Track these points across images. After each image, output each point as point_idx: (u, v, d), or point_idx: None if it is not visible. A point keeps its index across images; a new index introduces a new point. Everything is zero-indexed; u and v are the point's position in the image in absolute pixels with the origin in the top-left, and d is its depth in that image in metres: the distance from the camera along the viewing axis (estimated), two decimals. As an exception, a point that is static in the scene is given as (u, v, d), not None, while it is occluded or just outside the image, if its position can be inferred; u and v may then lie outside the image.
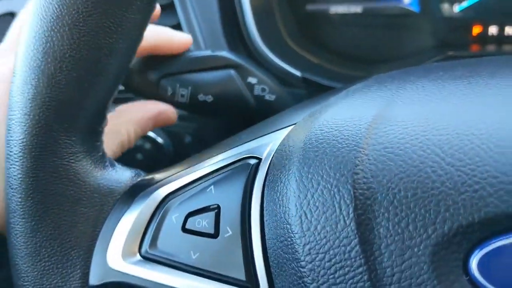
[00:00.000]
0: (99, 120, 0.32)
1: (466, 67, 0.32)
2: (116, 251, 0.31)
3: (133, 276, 0.30)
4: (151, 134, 0.63)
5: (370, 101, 0.29)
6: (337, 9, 0.68)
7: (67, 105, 0.30)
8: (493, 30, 0.63)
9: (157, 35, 0.42)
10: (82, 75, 0.29)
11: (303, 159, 0.27)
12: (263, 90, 0.43)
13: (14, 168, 0.30)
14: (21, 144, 0.30)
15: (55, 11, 0.28)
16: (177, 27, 0.60)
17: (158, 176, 0.33)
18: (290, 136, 0.30)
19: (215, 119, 0.44)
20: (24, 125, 0.30)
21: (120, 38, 0.30)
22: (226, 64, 0.43)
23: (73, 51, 0.29)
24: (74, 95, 0.30)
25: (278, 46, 0.61)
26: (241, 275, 0.28)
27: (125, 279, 0.30)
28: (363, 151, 0.25)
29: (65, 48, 0.29)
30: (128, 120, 0.42)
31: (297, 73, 0.57)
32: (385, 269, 0.23)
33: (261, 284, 0.28)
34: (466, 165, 0.23)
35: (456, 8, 0.65)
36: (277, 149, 0.30)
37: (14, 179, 0.30)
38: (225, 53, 0.43)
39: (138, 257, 0.31)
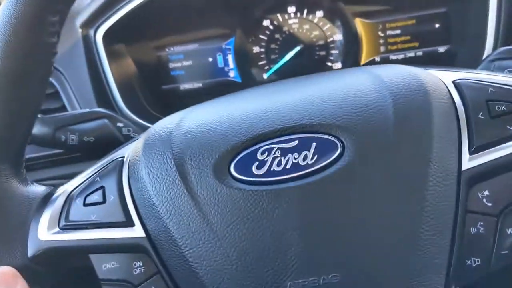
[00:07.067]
0: (22, 151, 0.47)
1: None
2: (43, 229, 0.44)
3: (56, 240, 0.43)
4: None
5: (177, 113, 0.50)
6: (184, 86, 0.92)
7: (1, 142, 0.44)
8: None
9: None
10: (7, 116, 0.44)
11: (145, 147, 0.45)
12: (129, 130, 0.63)
13: None
14: None
15: None
16: (63, 108, 0.80)
17: (63, 185, 0.49)
18: (137, 141, 0.48)
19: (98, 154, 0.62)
20: None
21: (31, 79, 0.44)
22: (101, 116, 0.61)
23: None
24: (4, 133, 0.44)
25: (139, 110, 0.82)
26: (122, 218, 0.43)
27: (51, 244, 0.43)
28: (175, 133, 0.45)
29: None
30: None
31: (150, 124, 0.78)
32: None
33: (134, 220, 0.42)
34: (233, 128, 0.44)
35: (265, 75, 0.91)
36: (132, 148, 0.48)
37: None
38: (99, 109, 0.63)
39: (57, 229, 0.44)
